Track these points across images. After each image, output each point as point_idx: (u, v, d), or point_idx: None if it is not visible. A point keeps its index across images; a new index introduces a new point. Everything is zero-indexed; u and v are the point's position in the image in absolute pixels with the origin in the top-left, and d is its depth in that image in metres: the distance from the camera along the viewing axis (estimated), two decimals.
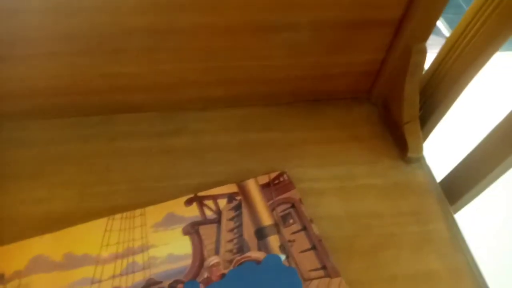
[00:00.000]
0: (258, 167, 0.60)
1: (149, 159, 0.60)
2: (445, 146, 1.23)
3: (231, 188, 0.56)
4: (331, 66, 0.65)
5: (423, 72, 0.66)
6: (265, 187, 0.57)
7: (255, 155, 0.62)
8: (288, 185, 0.57)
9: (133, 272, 0.47)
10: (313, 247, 0.52)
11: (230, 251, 0.51)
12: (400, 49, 0.63)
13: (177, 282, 0.47)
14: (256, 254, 0.50)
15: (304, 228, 0.53)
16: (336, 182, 0.60)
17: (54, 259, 0.47)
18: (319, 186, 0.59)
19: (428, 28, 0.61)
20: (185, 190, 0.56)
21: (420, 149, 0.63)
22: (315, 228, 0.53)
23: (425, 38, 0.61)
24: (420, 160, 0.64)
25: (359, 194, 0.59)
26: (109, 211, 0.53)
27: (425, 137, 0.67)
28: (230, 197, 0.55)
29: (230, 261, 0.50)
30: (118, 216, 0.52)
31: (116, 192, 0.56)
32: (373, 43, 0.62)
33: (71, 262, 0.47)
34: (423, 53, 0.62)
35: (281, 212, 0.55)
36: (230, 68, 0.62)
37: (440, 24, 2.06)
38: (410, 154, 0.63)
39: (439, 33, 2.02)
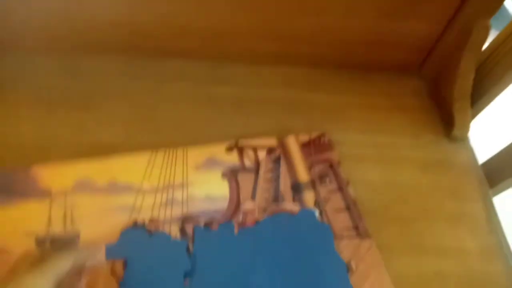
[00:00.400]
0: (299, 126, 0.60)
1: (195, 104, 0.61)
2: (491, 129, 1.20)
3: (271, 141, 0.57)
4: (386, 34, 0.63)
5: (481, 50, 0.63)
6: (305, 145, 0.57)
7: (297, 113, 0.62)
8: (328, 146, 0.57)
9: (172, 205, 0.49)
10: (347, 208, 0.52)
11: (266, 199, 0.52)
12: (462, 23, 0.60)
13: (212, 220, 0.48)
14: (291, 206, 0.51)
15: (340, 189, 0.54)
16: (376, 150, 0.60)
17: (99, 184, 0.49)
18: (359, 151, 0.59)
19: (496, 4, 0.58)
20: (226, 138, 0.56)
21: (467, 128, 0.62)
22: (351, 190, 0.53)
23: (490, 14, 0.59)
24: (464, 139, 0.62)
25: (398, 164, 0.58)
26: (153, 147, 0.54)
27: (472, 117, 0.65)
28: (270, 149, 0.56)
29: (265, 209, 0.50)
30: (161, 151, 0.53)
31: (161, 131, 0.57)
32: (435, 13, 0.60)
33: (114, 189, 0.49)
34: (486, 30, 0.59)
35: (318, 171, 0.55)
36: (283, 24, 0.61)
37: (507, 2, 1.94)
38: (456, 132, 0.61)
39: (504, 12, 1.88)
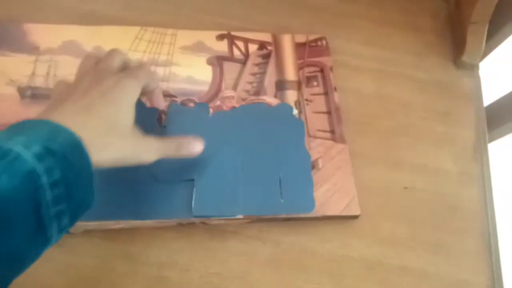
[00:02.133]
0: (299, 28, 0.57)
1: None
2: (504, 69, 1.12)
3: (266, 36, 0.55)
4: None
5: None
6: (300, 46, 0.55)
7: (298, 13, 0.59)
8: (324, 51, 0.55)
9: None
10: (328, 112, 0.51)
11: (247, 91, 0.51)
12: None
13: (189, 100, 0.48)
14: (270, 99, 0.50)
15: (325, 93, 0.52)
16: (376, 64, 0.57)
17: (84, 48, 0.50)
18: (357, 62, 0.56)
19: None
20: (218, 27, 0.55)
21: (477, 55, 0.57)
22: (336, 96, 0.52)
23: None
24: (473, 68, 0.58)
25: (395, 80, 0.56)
26: (145, 24, 0.53)
27: (486, 51, 0.60)
28: (262, 44, 0.54)
29: (244, 99, 0.50)
30: (150, 28, 0.53)
31: (157, 11, 0.56)
32: None
33: (99, 54, 0.50)
34: None
35: (308, 73, 0.53)
36: None
37: None
38: (465, 58, 0.57)
39: None
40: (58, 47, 0.49)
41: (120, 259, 0.42)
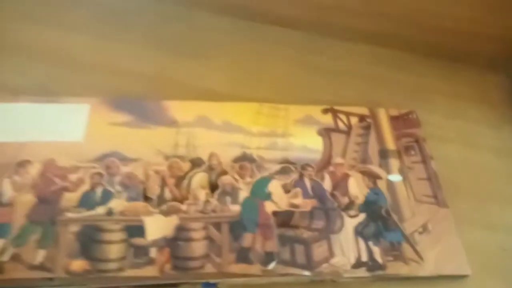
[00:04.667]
0: (386, 101, 0.65)
1: (294, 68, 0.68)
2: None
3: (363, 110, 0.62)
4: (484, 25, 0.67)
5: None
6: (394, 118, 0.62)
7: (384, 90, 0.67)
8: (415, 123, 0.62)
9: (274, 149, 0.56)
10: (429, 178, 0.57)
11: (354, 159, 0.58)
12: None
13: (307, 165, 0.55)
14: (377, 169, 0.57)
15: (423, 161, 0.59)
16: (458, 134, 0.64)
17: (215, 122, 0.58)
18: (442, 133, 0.63)
19: None
20: (320, 102, 0.63)
21: None
22: (433, 164, 0.58)
23: None
24: None
25: (477, 149, 0.62)
26: (257, 99, 0.61)
27: None
28: (362, 117, 0.62)
29: (353, 167, 0.57)
30: (266, 104, 0.61)
31: (262, 88, 0.65)
32: None
33: (228, 128, 0.57)
34: None
35: (405, 142, 0.60)
36: (386, 3, 0.66)
37: None
38: None
39: None
40: (193, 121, 0.57)
41: None
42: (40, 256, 0.43)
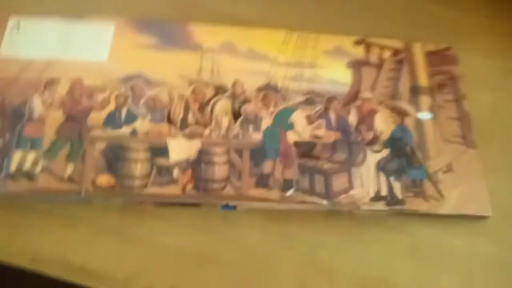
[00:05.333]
0: (423, 37, 0.61)
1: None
2: None
3: (398, 44, 0.59)
4: None
5: None
6: (430, 54, 0.59)
7: (424, 25, 0.63)
8: (452, 60, 0.59)
9: (300, 80, 0.55)
10: (459, 118, 0.55)
11: (383, 94, 0.56)
12: None
13: (334, 98, 0.53)
14: (406, 106, 0.55)
15: (456, 100, 0.56)
16: (497, 77, 0.60)
17: (240, 49, 0.56)
18: (480, 73, 0.60)
19: None
20: (353, 33, 0.59)
21: None
22: (466, 104, 0.56)
23: None
24: None
25: None
26: (286, 27, 0.59)
27: None
28: (395, 51, 0.59)
29: (381, 102, 0.55)
30: (295, 33, 0.58)
31: (294, 15, 0.62)
32: None
33: (253, 56, 0.56)
34: None
35: (438, 80, 0.57)
36: None
37: None
38: None
39: None
40: (218, 47, 0.56)
41: (278, 236, 0.48)
42: (69, 169, 0.45)
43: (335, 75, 0.56)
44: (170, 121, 0.49)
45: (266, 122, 0.50)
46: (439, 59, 0.59)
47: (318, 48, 0.57)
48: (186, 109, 0.49)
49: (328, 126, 0.51)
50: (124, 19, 0.56)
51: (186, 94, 0.50)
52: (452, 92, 0.56)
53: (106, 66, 0.52)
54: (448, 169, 0.51)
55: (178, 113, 0.49)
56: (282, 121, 0.50)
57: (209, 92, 0.51)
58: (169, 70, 0.53)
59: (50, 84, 0.49)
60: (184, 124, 0.49)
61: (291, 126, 0.50)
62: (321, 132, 0.49)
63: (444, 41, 0.60)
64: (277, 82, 0.54)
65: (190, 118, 0.49)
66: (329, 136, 0.50)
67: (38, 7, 0.57)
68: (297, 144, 0.49)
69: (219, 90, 0.52)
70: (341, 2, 0.64)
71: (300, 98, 0.52)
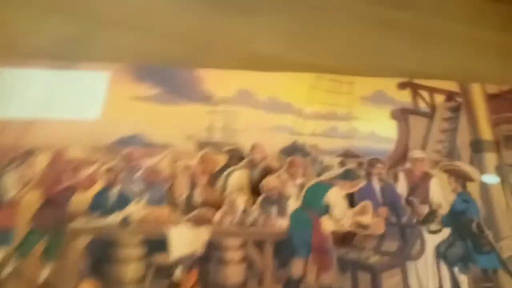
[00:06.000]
0: (486, 73, 0.50)
1: (366, 27, 0.53)
2: None
3: (452, 86, 0.48)
4: None
5: None
6: (493, 97, 0.47)
7: (487, 58, 0.51)
8: None
9: (333, 136, 0.45)
10: None
11: (438, 152, 0.45)
12: None
13: (376, 161, 0.43)
14: (468, 168, 0.43)
15: None
16: None
17: (259, 97, 0.46)
18: None
19: None
20: (397, 73, 0.49)
21: None
22: None
23: None
24: None
25: None
26: (315, 67, 0.49)
27: None
28: (450, 95, 0.48)
29: (436, 163, 0.44)
30: (326, 76, 0.48)
31: (325, 52, 0.51)
32: None
33: (275, 106, 0.46)
34: None
35: (506, 131, 0.46)
36: None
37: None
38: None
39: None
40: (232, 96, 0.46)
41: None
42: (44, 272, 0.36)
43: (377, 129, 0.45)
44: (171, 201, 0.39)
45: (293, 202, 0.39)
46: (503, 103, 0.47)
47: (355, 93, 0.47)
48: (193, 184, 0.40)
49: (373, 201, 0.40)
50: (121, 65, 0.47)
51: (193, 164, 0.40)
52: None
53: (97, 127, 0.43)
54: None
55: (181, 191, 0.39)
56: (314, 200, 0.39)
57: (221, 159, 0.42)
58: (173, 129, 0.43)
59: (29, 155, 0.40)
60: (189, 205, 0.39)
61: (326, 209, 0.39)
62: (367, 219, 0.38)
63: (509, 81, 0.49)
64: (305, 141, 0.44)
65: (197, 196, 0.39)
66: (378, 225, 0.38)
67: (25, 53, 0.48)
68: (335, 235, 0.38)
69: (234, 155, 0.42)
70: (383, 34, 0.53)
71: (337, 170, 0.41)
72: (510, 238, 0.40)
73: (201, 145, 0.43)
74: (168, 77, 0.47)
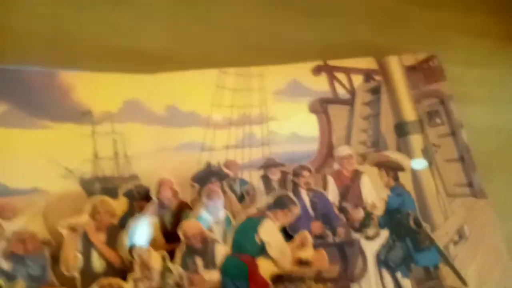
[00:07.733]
0: (398, 45, 0.46)
1: (260, 8, 0.45)
2: None
3: (369, 63, 0.43)
4: None
5: None
6: (410, 70, 0.44)
7: (395, 29, 0.47)
8: (439, 74, 0.45)
9: (251, 145, 0.38)
10: (461, 158, 0.42)
11: (363, 143, 0.41)
12: None
13: (302, 168, 0.38)
14: (397, 157, 0.40)
15: (453, 133, 0.43)
16: (483, 88, 0.47)
17: (154, 109, 0.37)
18: (461, 88, 0.45)
19: None
20: (308, 55, 0.43)
21: None
22: (464, 135, 0.43)
23: None
24: None
25: (509, 106, 0.47)
26: (212, 61, 0.40)
27: None
28: (368, 74, 0.43)
29: (364, 157, 0.40)
30: (231, 70, 0.40)
31: (220, 42, 0.42)
32: None
33: (176, 117, 0.37)
34: None
35: (427, 107, 0.43)
36: None
37: None
38: None
39: None
40: (117, 109, 0.36)
41: None
42: None
43: (297, 127, 0.40)
44: (59, 275, 0.29)
45: (221, 248, 0.32)
46: (422, 74, 0.45)
47: (266, 88, 0.40)
48: (87, 247, 0.30)
49: (305, 217, 0.35)
50: None
51: (81, 220, 0.31)
52: (446, 121, 0.43)
53: None
54: (460, 236, 0.39)
55: (72, 260, 0.30)
56: (246, 240, 0.33)
57: (120, 205, 0.32)
58: (38, 166, 0.32)
59: None
60: (87, 276, 0.29)
61: (261, 248, 0.32)
62: (309, 252, 0.32)
63: (422, 49, 0.46)
64: (219, 159, 0.36)
65: (95, 261, 0.30)
66: (321, 259, 0.32)
67: None
68: (276, 279, 0.32)
69: (134, 196, 0.33)
70: (282, 13, 0.45)
71: (267, 199, 0.34)
72: (442, 227, 0.39)
73: (86, 183, 0.33)
74: (18, 84, 0.34)
